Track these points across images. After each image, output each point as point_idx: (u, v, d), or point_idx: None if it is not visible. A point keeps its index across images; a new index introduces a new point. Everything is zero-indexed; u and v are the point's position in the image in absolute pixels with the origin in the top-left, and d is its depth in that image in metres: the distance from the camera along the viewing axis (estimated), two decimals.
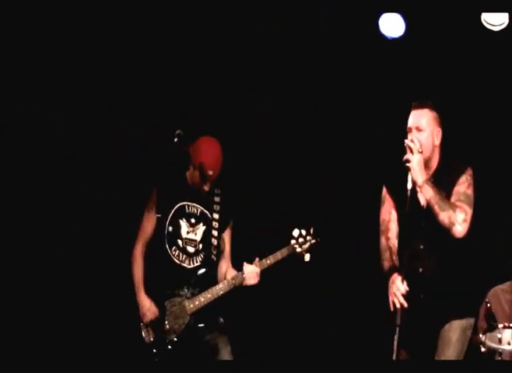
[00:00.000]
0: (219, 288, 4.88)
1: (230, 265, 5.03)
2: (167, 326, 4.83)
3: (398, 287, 4.31)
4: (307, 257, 4.96)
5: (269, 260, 4.90)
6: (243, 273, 4.87)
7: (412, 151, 4.37)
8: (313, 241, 4.98)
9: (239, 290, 4.92)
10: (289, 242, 4.96)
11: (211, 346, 4.89)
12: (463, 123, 5.61)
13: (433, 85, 5.82)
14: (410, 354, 4.47)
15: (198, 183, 4.96)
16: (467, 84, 6.00)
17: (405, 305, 4.28)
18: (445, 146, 4.54)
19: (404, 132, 4.54)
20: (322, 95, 6.33)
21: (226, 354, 4.89)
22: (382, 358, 4.78)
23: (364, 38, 6.05)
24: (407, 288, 4.30)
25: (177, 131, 4.66)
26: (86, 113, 5.93)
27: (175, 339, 4.83)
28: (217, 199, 5.07)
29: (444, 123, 4.53)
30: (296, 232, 4.95)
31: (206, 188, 4.96)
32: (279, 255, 4.92)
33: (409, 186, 4.36)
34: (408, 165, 4.36)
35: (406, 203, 4.36)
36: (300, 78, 6.28)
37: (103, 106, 5.96)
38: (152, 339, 4.81)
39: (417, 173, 4.34)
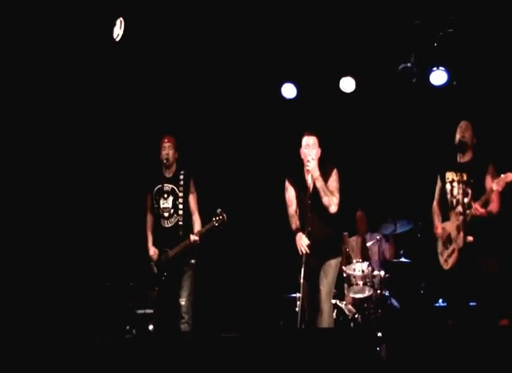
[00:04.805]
0: (182, 245, 7.29)
1: (199, 222, 7.29)
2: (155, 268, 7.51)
3: (303, 240, 6.55)
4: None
5: (204, 229, 7.26)
6: (190, 239, 7.25)
7: (309, 160, 6.60)
8: (221, 218, 7.16)
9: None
10: (212, 218, 7.21)
11: (179, 276, 7.26)
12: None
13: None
14: (306, 279, 6.52)
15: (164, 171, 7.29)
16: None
17: (308, 251, 6.52)
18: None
19: (298, 145, 6.72)
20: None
21: (186, 281, 7.23)
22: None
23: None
24: (308, 242, 6.54)
25: None
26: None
27: (156, 271, 7.45)
28: (181, 178, 7.28)
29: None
30: (217, 211, 7.16)
31: (167, 174, 7.28)
32: (208, 226, 7.20)
33: (309, 180, 6.60)
34: (308, 168, 6.60)
35: (305, 189, 6.62)
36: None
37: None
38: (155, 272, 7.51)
39: (314, 171, 6.54)
